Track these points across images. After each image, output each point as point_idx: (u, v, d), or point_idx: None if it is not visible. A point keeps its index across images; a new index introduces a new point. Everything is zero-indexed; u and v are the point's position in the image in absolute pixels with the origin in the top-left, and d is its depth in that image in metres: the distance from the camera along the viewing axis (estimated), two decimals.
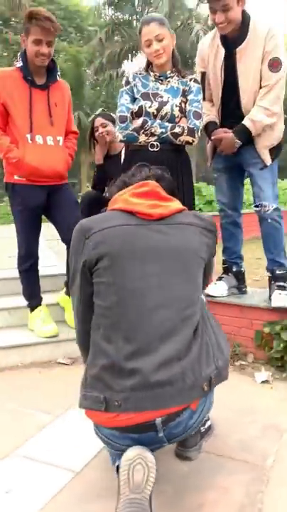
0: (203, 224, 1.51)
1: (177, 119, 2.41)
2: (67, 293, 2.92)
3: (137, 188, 1.53)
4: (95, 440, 1.62)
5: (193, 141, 2.39)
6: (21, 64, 2.53)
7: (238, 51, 2.39)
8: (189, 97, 2.43)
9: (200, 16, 17.55)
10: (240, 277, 2.78)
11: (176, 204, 1.53)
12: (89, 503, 1.48)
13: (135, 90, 2.46)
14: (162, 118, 2.39)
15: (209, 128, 2.57)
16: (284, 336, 2.40)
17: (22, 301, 2.94)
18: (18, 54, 2.58)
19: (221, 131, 2.48)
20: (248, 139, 2.42)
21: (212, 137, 2.50)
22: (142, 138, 2.39)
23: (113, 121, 3.24)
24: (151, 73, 2.47)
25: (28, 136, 2.53)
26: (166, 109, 2.39)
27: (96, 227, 1.43)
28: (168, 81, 2.46)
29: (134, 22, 17.84)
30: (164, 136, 2.37)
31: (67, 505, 1.48)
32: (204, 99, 2.56)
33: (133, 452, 1.26)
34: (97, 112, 3.32)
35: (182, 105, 2.42)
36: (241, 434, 1.86)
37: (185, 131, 2.36)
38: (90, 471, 1.66)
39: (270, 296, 2.55)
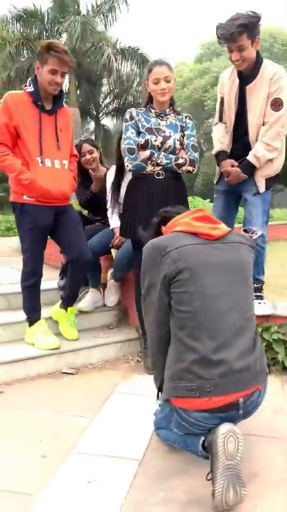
0: (248, 242, 1.88)
1: (177, 151, 2.77)
2: (62, 306, 3.06)
3: (194, 213, 1.86)
4: (140, 433, 1.96)
5: (194, 170, 2.77)
6: (32, 89, 2.69)
7: (247, 88, 2.73)
8: (186, 132, 2.82)
9: (109, 39, 18.26)
10: None
11: (225, 226, 1.88)
12: (166, 482, 1.74)
13: (139, 125, 2.76)
14: (165, 150, 2.73)
15: (219, 156, 2.91)
16: (266, 336, 2.85)
17: (16, 317, 3.03)
18: (29, 79, 2.74)
19: (229, 164, 2.83)
20: (252, 171, 2.79)
21: (222, 170, 2.87)
22: (149, 167, 2.71)
23: (97, 147, 3.49)
24: (152, 110, 2.81)
25: (39, 159, 2.67)
26: (169, 142, 2.73)
27: (171, 246, 1.73)
28: (167, 118, 2.81)
29: (44, 39, 17.89)
30: (168, 166, 2.72)
31: (147, 486, 1.72)
32: (221, 120, 2.96)
33: (225, 428, 1.57)
34: (82, 138, 3.53)
35: (181, 139, 2.80)
36: (258, 417, 2.19)
37: (187, 162, 2.74)
38: (151, 458, 1.91)
39: None
